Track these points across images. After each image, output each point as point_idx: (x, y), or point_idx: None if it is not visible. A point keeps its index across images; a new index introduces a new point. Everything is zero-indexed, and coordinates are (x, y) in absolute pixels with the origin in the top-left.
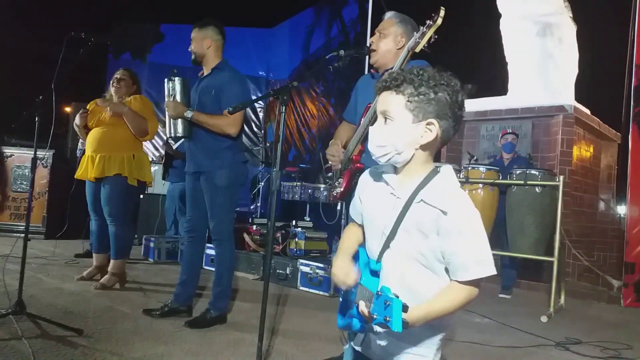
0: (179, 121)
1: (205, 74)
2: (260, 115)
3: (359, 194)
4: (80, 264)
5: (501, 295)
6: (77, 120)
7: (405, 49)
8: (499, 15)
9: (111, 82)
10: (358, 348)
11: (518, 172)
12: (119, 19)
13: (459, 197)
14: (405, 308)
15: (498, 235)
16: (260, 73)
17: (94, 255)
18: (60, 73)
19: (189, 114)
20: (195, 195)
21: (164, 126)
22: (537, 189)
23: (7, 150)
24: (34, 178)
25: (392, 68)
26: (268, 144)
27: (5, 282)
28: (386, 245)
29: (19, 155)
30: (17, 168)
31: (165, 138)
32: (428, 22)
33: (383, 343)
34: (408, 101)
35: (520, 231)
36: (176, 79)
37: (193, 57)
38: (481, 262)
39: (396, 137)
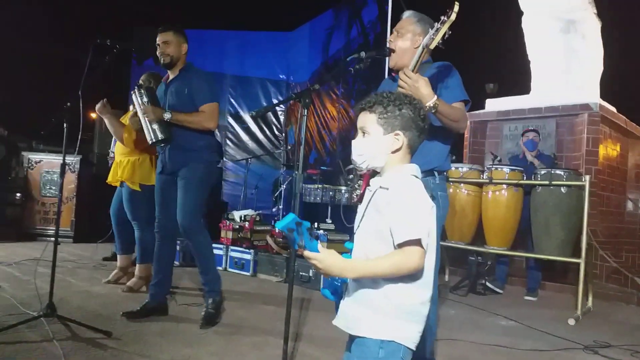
0: (156, 126)
1: (171, 77)
2: (281, 118)
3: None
4: (107, 267)
5: (526, 298)
6: (98, 106)
7: (420, 47)
8: (520, 13)
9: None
10: (336, 323)
11: (543, 172)
12: (142, 26)
13: (403, 178)
14: (302, 231)
15: (523, 236)
16: (281, 76)
17: (117, 256)
18: (86, 80)
19: (167, 115)
20: (166, 196)
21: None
22: (562, 189)
23: (36, 156)
24: (63, 183)
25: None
26: (289, 147)
27: (37, 285)
28: (357, 227)
29: (47, 161)
30: (46, 173)
31: None
32: (442, 17)
33: (346, 307)
34: (379, 118)
35: (546, 232)
36: (143, 88)
37: (169, 60)
38: (410, 226)
39: (371, 147)
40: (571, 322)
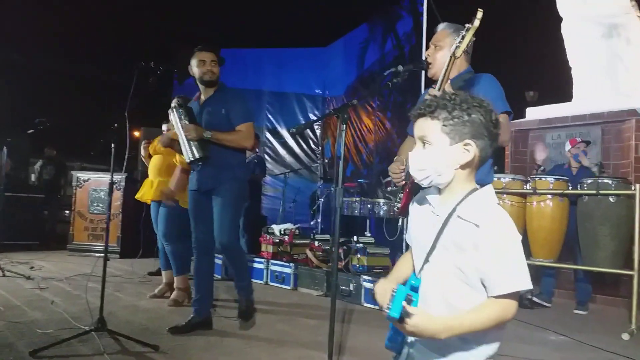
0: (195, 144)
1: (205, 96)
2: (318, 132)
3: (409, 219)
4: (152, 281)
5: (576, 311)
6: (142, 151)
7: (447, 56)
8: (559, 19)
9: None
10: None
11: (589, 181)
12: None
13: (493, 211)
14: (408, 300)
15: (570, 248)
16: (317, 91)
17: (162, 272)
18: (132, 101)
19: (208, 134)
20: (202, 213)
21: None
22: (610, 199)
23: (85, 175)
24: (111, 201)
25: (454, 79)
26: (326, 160)
27: (88, 300)
28: (426, 260)
29: (95, 179)
30: (94, 191)
31: None
32: (467, 25)
33: (421, 357)
34: (444, 125)
35: (595, 243)
36: (181, 107)
37: (215, 78)
38: (514, 276)
39: (436, 160)
40: (625, 336)
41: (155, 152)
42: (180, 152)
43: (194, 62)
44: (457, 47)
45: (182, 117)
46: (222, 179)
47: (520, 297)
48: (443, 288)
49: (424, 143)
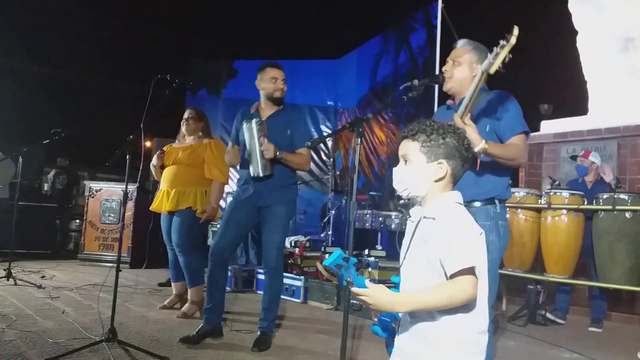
0: (262, 162)
1: (269, 112)
2: (330, 144)
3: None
4: (162, 292)
5: (591, 329)
6: (154, 160)
7: (480, 71)
8: (575, 32)
9: (182, 122)
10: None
11: (605, 196)
12: (196, 57)
13: (449, 206)
14: (348, 266)
15: (585, 264)
16: (329, 103)
17: (172, 284)
18: (148, 113)
19: (280, 154)
20: (240, 222)
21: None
22: (627, 214)
23: (97, 185)
24: (124, 211)
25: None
26: (337, 172)
27: (99, 310)
28: (404, 259)
29: (107, 189)
30: (105, 201)
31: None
32: (502, 42)
33: (402, 344)
34: (422, 146)
35: (611, 259)
36: (256, 121)
37: (283, 95)
38: (460, 255)
39: (414, 175)
40: None
41: (173, 162)
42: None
43: (264, 77)
44: (491, 63)
45: (259, 130)
46: (279, 199)
47: (533, 314)
48: (417, 282)
49: (405, 161)
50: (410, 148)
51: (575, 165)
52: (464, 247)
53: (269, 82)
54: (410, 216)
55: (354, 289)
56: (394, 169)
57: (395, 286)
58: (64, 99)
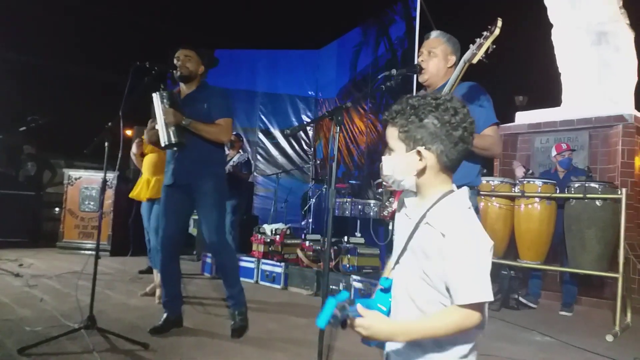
0: (172, 129)
1: (187, 92)
2: (310, 133)
3: (395, 220)
4: (143, 279)
5: (562, 313)
6: (134, 148)
7: (462, 61)
8: (550, 26)
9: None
10: None
11: (577, 185)
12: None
13: (461, 219)
14: (342, 307)
15: (557, 250)
16: (310, 93)
17: (153, 271)
18: (127, 101)
19: (187, 121)
20: (175, 208)
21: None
22: (597, 202)
23: (76, 173)
24: (103, 199)
25: (443, 86)
26: (318, 161)
27: (78, 298)
28: (397, 262)
29: (86, 177)
30: (85, 189)
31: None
32: (485, 33)
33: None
34: (400, 132)
35: (581, 246)
36: (166, 92)
37: (187, 73)
38: (475, 287)
39: (395, 167)
40: (609, 338)
41: (152, 150)
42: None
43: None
44: (475, 54)
45: (165, 101)
46: (201, 175)
47: (507, 299)
48: (410, 291)
49: (390, 150)
50: (390, 134)
51: (558, 160)
52: (478, 276)
53: (175, 63)
54: (406, 207)
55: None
56: (382, 159)
57: (385, 290)
58: (41, 87)
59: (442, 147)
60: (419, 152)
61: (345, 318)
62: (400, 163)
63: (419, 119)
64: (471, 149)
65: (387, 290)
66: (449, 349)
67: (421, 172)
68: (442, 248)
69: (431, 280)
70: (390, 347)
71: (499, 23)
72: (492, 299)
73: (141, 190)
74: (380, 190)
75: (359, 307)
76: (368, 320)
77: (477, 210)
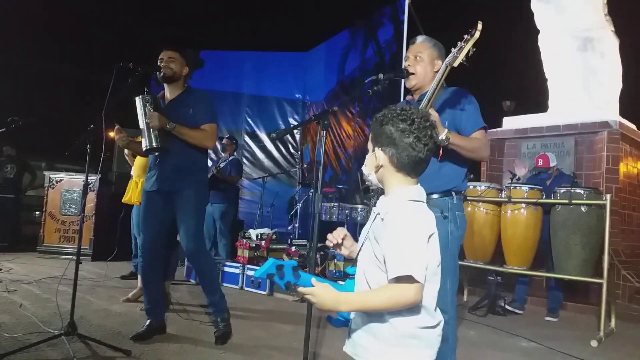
0: (154, 134)
1: (171, 96)
2: (297, 137)
3: None
4: (125, 285)
5: (547, 318)
6: (118, 141)
7: (444, 65)
8: (537, 32)
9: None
10: (345, 349)
11: (562, 191)
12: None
13: (398, 207)
14: (295, 268)
15: (543, 256)
16: (297, 95)
17: (138, 276)
18: (109, 102)
19: (171, 125)
20: (156, 214)
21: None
22: (582, 208)
23: (57, 176)
24: (85, 202)
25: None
26: (305, 165)
27: (58, 304)
28: (359, 250)
29: (67, 180)
30: (66, 192)
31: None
32: (466, 36)
33: (355, 335)
34: (371, 134)
35: (566, 252)
36: (149, 95)
37: (171, 74)
38: (402, 262)
39: (365, 164)
40: (594, 343)
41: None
42: (137, 152)
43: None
44: (455, 57)
45: (148, 104)
46: (185, 182)
47: (493, 305)
48: (367, 274)
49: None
50: (369, 136)
51: (539, 174)
52: (406, 253)
53: (159, 64)
54: (375, 205)
55: (300, 289)
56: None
57: (352, 277)
58: (22, 87)
59: (394, 150)
60: (375, 153)
61: (284, 282)
62: (367, 160)
63: (381, 124)
64: (422, 156)
65: (353, 276)
66: (398, 325)
67: (380, 170)
68: (382, 230)
69: (380, 263)
70: (352, 326)
71: (480, 26)
72: (421, 279)
73: (132, 195)
74: (371, 193)
75: (313, 280)
76: (317, 289)
77: (462, 216)
